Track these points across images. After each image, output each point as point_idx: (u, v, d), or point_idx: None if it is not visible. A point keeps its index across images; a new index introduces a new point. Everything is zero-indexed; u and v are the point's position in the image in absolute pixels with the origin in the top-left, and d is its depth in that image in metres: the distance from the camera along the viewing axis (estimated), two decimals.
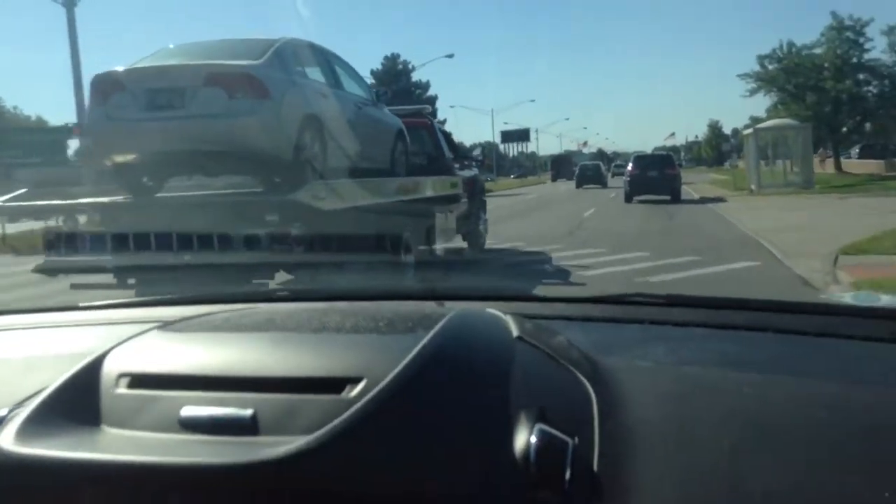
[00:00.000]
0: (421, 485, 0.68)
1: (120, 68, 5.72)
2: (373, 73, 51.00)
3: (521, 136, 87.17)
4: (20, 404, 0.80)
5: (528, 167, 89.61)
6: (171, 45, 6.35)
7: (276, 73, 5.72)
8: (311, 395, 0.74)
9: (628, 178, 24.63)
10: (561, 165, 65.85)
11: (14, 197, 6.10)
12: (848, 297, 5.73)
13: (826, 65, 38.29)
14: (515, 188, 45.78)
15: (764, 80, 40.16)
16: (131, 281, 5.55)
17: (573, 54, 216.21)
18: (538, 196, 33.60)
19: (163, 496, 0.68)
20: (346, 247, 5.53)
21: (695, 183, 36.19)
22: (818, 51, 39.05)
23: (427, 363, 0.76)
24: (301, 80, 6.11)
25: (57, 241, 5.51)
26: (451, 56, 48.10)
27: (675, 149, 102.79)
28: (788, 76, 39.19)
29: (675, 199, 22.96)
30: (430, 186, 8.39)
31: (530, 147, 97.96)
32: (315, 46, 6.75)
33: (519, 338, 0.88)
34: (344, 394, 0.73)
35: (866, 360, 1.07)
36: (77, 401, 0.78)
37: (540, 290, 1.54)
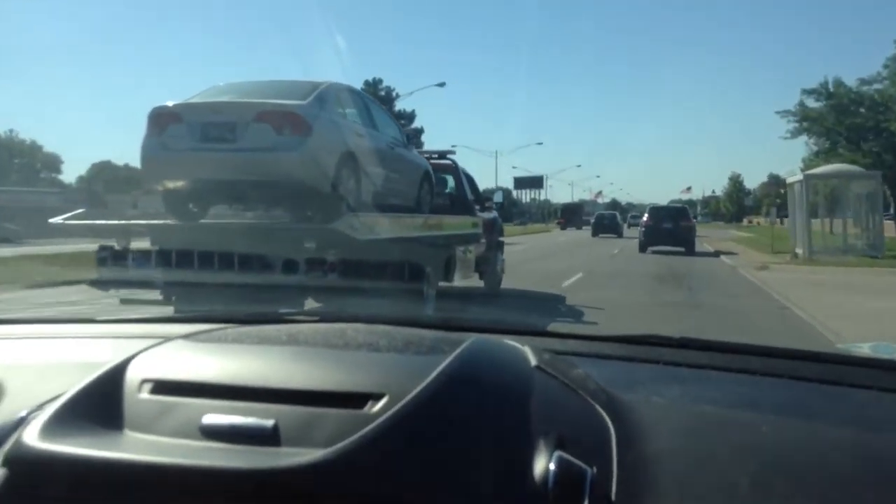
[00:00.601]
0: (440, 502, 0.68)
1: (175, 102, 6.28)
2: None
3: (535, 182, 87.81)
4: (38, 408, 0.81)
5: (534, 214, 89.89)
6: (222, 84, 6.93)
7: (319, 112, 6.25)
8: (333, 409, 0.75)
9: (643, 229, 25.03)
10: (571, 214, 66.77)
11: (73, 216, 6.65)
12: (866, 348, 6.01)
13: (890, 103, 29.93)
14: (514, 235, 40.19)
15: (810, 120, 31.91)
16: (175, 298, 6.00)
17: (586, 98, 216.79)
18: (529, 247, 27.16)
19: (183, 498, 0.69)
20: (374, 276, 5.97)
21: (718, 240, 31.87)
22: (878, 86, 30.85)
23: (449, 383, 0.77)
24: (341, 121, 6.64)
25: (109, 259, 6.00)
26: (442, 85, 44.14)
27: (691, 203, 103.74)
28: (840, 115, 31.02)
29: (690, 250, 23.31)
30: (452, 225, 8.88)
31: (543, 194, 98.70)
32: (354, 90, 7.32)
33: (537, 367, 0.89)
34: (366, 409, 0.74)
35: (883, 411, 1.06)
36: (100, 403, 0.79)
37: (554, 328, 1.58)
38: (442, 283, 8.30)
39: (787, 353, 1.31)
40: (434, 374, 0.77)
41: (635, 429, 0.85)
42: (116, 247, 6.08)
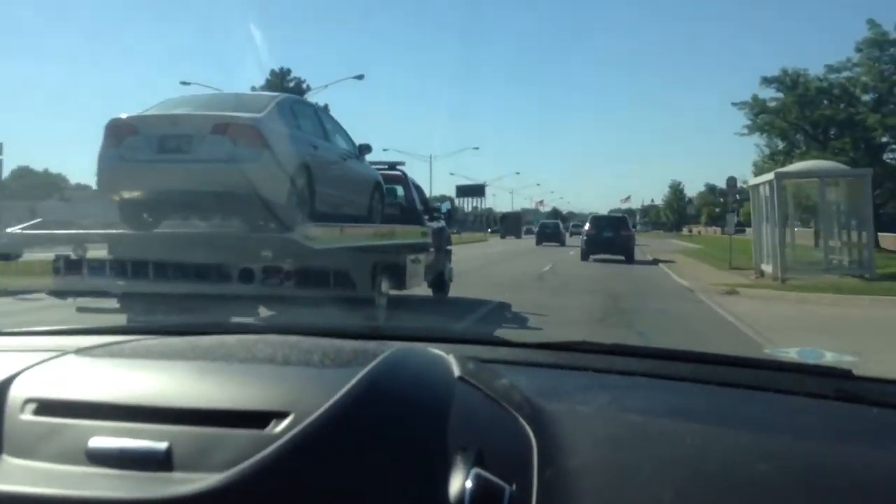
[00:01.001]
0: None
1: (132, 115, 6.42)
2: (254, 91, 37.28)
3: (477, 190, 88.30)
4: None
5: (472, 223, 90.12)
6: (177, 96, 7.08)
7: (275, 125, 6.48)
8: (232, 430, 0.71)
9: (585, 238, 25.85)
10: (510, 223, 67.01)
11: (29, 226, 6.70)
12: (793, 353, 5.76)
13: (857, 91, 26.22)
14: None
15: (770, 112, 28.27)
16: (129, 306, 6.13)
17: (523, 104, 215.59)
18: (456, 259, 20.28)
19: None
20: (327, 285, 6.24)
21: (663, 252, 29.00)
22: (848, 73, 27.01)
23: (360, 399, 0.74)
24: (295, 133, 6.88)
25: (64, 268, 6.09)
26: (360, 77, 37.25)
27: (630, 212, 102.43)
28: (804, 108, 27.38)
29: (629, 259, 24.22)
30: (402, 234, 9.19)
31: (485, 202, 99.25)
32: (308, 102, 7.60)
33: (460, 378, 0.87)
34: (268, 429, 0.71)
35: (809, 416, 1.07)
36: None
37: (482, 335, 1.46)
38: (393, 291, 8.62)
39: (717, 358, 1.32)
40: (345, 388, 0.74)
41: (558, 441, 0.83)
42: (72, 256, 6.18)
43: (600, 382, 1.15)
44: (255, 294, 6.12)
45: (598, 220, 27.28)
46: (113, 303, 6.09)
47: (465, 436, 0.75)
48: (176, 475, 0.66)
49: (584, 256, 24.98)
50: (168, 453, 0.69)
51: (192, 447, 0.69)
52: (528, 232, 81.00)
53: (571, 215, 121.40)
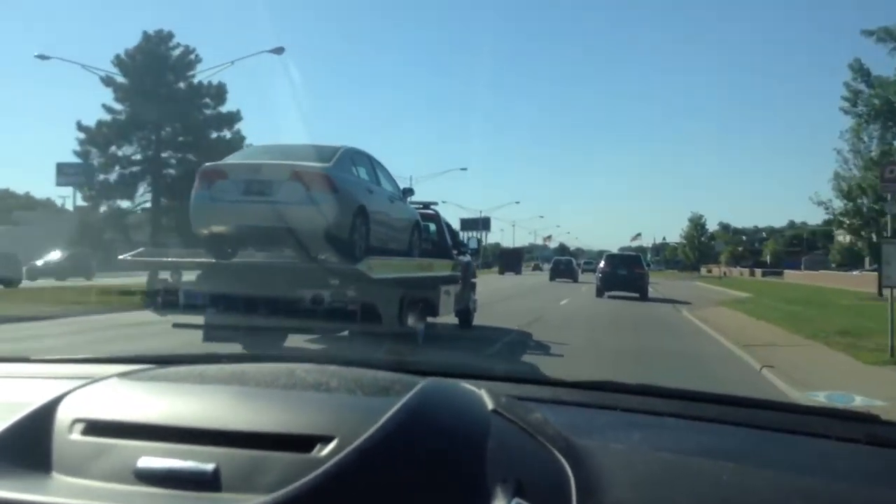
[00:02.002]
0: None
1: (222, 162, 7.76)
2: (119, 60, 30.70)
3: (483, 224, 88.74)
4: None
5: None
6: (257, 145, 8.42)
7: (340, 173, 7.78)
8: (278, 453, 0.73)
9: (600, 275, 27.00)
10: (509, 258, 66.58)
11: (137, 253, 8.04)
12: (822, 397, 5.64)
13: None
14: None
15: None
16: (213, 323, 7.39)
17: (526, 135, 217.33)
18: None
19: None
20: (378, 310, 7.49)
21: (703, 305, 21.60)
22: None
23: (403, 426, 0.76)
24: (356, 179, 8.19)
25: (162, 289, 7.39)
26: (278, 51, 26.15)
27: (641, 249, 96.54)
28: None
29: (643, 296, 25.30)
30: (438, 267, 10.46)
31: (490, 236, 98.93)
32: (364, 152, 8.88)
33: (494, 411, 0.89)
34: (314, 452, 0.73)
35: (840, 460, 1.08)
36: (27, 445, 0.78)
37: (511, 372, 1.62)
38: (429, 319, 9.85)
39: (744, 401, 1.33)
40: (387, 416, 0.76)
41: (595, 475, 0.84)
42: (169, 279, 7.47)
43: (629, 421, 1.17)
44: (322, 317, 7.36)
45: (613, 259, 28.49)
46: (199, 319, 7.36)
47: (503, 466, 0.76)
48: (224, 496, 0.69)
49: (599, 293, 26.05)
50: (216, 474, 0.71)
51: (239, 469, 0.71)
52: (536, 268, 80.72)
53: (580, 252, 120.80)
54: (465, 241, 16.40)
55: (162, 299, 7.45)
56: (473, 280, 14.05)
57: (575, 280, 45.13)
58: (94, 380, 0.93)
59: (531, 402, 1.12)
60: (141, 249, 8.49)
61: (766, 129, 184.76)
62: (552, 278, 46.03)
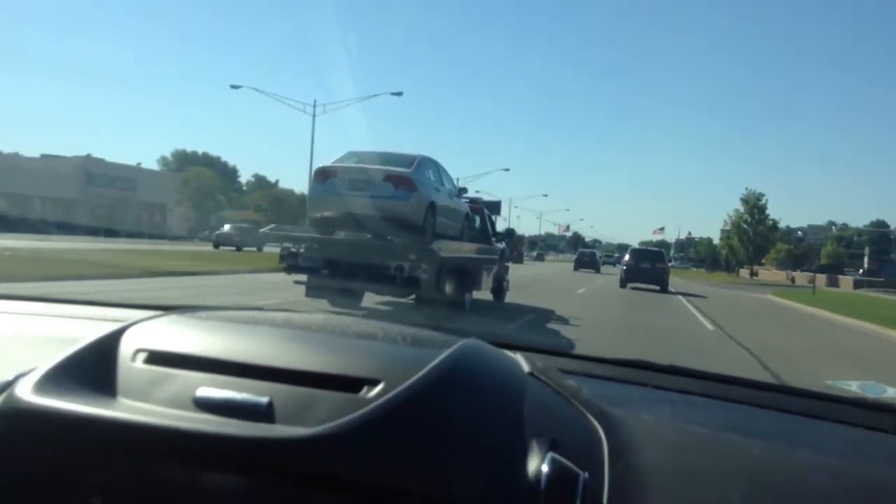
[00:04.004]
0: (428, 488, 0.72)
1: (332, 164, 10.95)
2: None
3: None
4: (24, 374, 0.84)
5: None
6: (356, 151, 11.63)
7: (418, 175, 10.89)
8: (327, 391, 0.79)
9: (624, 268, 29.90)
10: (508, 244, 68.45)
11: (271, 228, 11.42)
12: (854, 386, 6.05)
13: None
14: None
15: None
16: (319, 284, 10.64)
17: (555, 129, 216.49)
18: None
19: (175, 460, 0.74)
20: (441, 280, 10.65)
21: None
22: None
23: (444, 376, 0.81)
24: (427, 180, 11.28)
25: (288, 255, 10.66)
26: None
27: (664, 244, 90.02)
28: None
29: (664, 289, 28.16)
30: (483, 251, 13.60)
31: (506, 222, 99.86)
32: (433, 159, 11.99)
33: (530, 373, 0.94)
34: (361, 393, 0.79)
35: (868, 447, 1.12)
36: (93, 368, 0.84)
37: (544, 344, 1.65)
38: (473, 292, 13.01)
39: (775, 387, 1.42)
40: (430, 365, 0.82)
41: (626, 440, 0.90)
42: (292, 248, 10.73)
43: (659, 397, 1.23)
44: (399, 283, 10.51)
45: (637, 252, 31.36)
46: (311, 279, 10.67)
47: (538, 424, 0.82)
48: (277, 427, 0.74)
49: (622, 284, 28.91)
50: (269, 406, 0.77)
51: (291, 403, 0.78)
52: (539, 257, 78.52)
53: (597, 243, 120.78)
54: (503, 230, 19.51)
55: (287, 263, 10.70)
56: (507, 264, 17.15)
57: (597, 271, 49.22)
58: (156, 315, 1.00)
59: (564, 373, 1.15)
60: (272, 226, 11.91)
61: (806, 122, 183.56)
62: (576, 268, 50.30)
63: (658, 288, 28.05)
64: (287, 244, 10.95)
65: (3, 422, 0.77)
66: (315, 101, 36.99)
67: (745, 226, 64.11)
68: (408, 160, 11.21)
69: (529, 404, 0.85)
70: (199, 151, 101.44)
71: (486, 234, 15.31)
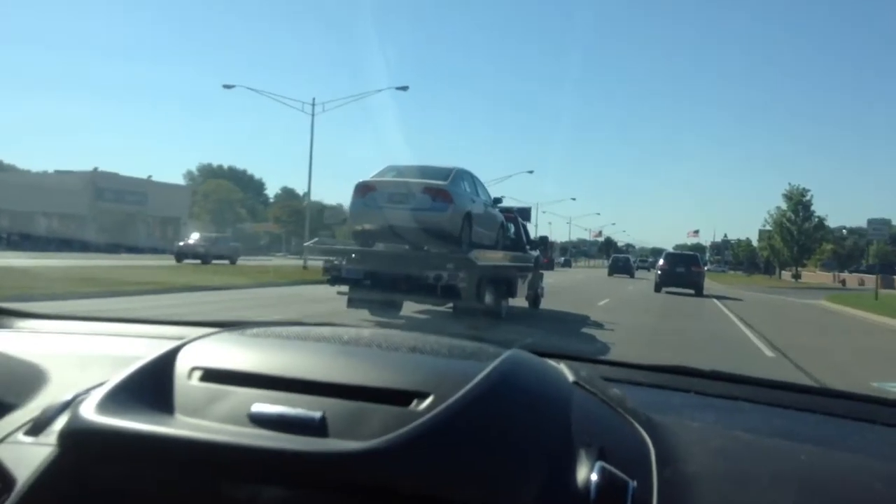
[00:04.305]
0: (480, 499, 0.73)
1: (372, 178, 11.44)
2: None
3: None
4: (84, 392, 0.88)
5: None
6: (394, 165, 12.12)
7: (454, 187, 11.32)
8: (378, 405, 0.81)
9: (659, 272, 30.06)
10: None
11: (315, 242, 11.97)
12: None
13: None
14: None
15: None
16: (360, 295, 11.11)
17: (584, 128, 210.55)
18: None
19: (234, 475, 0.76)
20: (480, 288, 11.05)
21: None
22: None
23: (493, 388, 0.83)
24: (463, 192, 11.70)
25: (332, 268, 11.16)
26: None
27: (699, 247, 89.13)
28: None
29: (699, 293, 28.21)
30: (518, 259, 13.97)
31: (541, 229, 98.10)
32: (468, 171, 12.42)
33: (575, 383, 0.96)
34: (412, 406, 0.81)
35: None
36: (151, 387, 0.87)
37: (585, 353, 1.67)
38: (509, 299, 13.37)
39: (819, 390, 1.43)
40: (478, 378, 0.84)
41: (673, 448, 0.91)
42: (335, 261, 11.22)
43: (703, 403, 1.24)
44: (437, 292, 10.93)
45: (671, 257, 31.50)
46: (353, 291, 11.13)
47: (586, 433, 0.83)
48: (330, 441, 0.77)
49: (657, 288, 29.09)
50: (322, 421, 0.79)
51: (343, 417, 0.80)
52: (566, 263, 75.57)
53: (629, 248, 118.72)
54: (536, 238, 19.86)
55: (331, 276, 11.21)
56: (541, 271, 17.49)
57: (631, 276, 49.22)
58: (209, 333, 1.03)
59: (607, 381, 1.16)
60: (316, 239, 12.46)
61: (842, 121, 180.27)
62: (611, 273, 50.25)
63: (693, 292, 28.12)
64: (330, 257, 11.47)
65: (68, 441, 0.80)
66: (314, 99, 35.39)
67: (788, 224, 59.76)
68: (444, 173, 11.67)
69: (576, 414, 0.86)
70: (225, 165, 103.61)
71: (520, 242, 15.68)
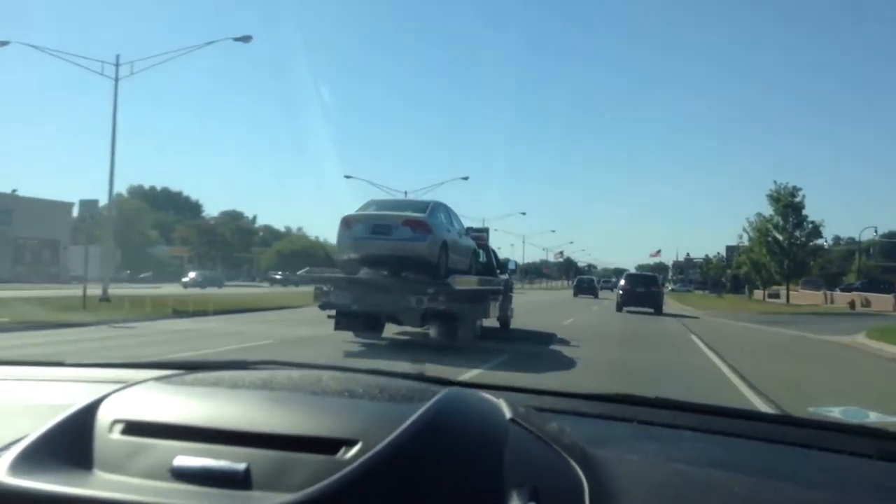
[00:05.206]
0: None
1: (356, 213, 12.60)
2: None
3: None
4: (5, 448, 0.85)
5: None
6: (377, 199, 13.28)
7: (432, 219, 12.53)
8: (306, 454, 0.80)
9: (621, 292, 31.51)
10: None
11: (307, 271, 12.93)
12: (836, 412, 6.10)
13: None
14: None
15: None
16: (352, 317, 12.20)
17: (532, 143, 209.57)
18: None
19: None
20: (455, 312, 12.23)
21: None
22: None
23: (423, 432, 0.83)
24: (440, 222, 12.91)
25: (321, 293, 12.26)
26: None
27: (662, 266, 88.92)
28: None
29: (658, 311, 29.73)
30: (489, 283, 15.21)
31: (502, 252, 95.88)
32: (444, 204, 13.67)
33: (512, 420, 0.96)
34: (339, 455, 0.79)
35: (853, 475, 1.14)
36: (70, 442, 0.85)
37: (529, 384, 1.68)
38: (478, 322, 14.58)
39: (760, 416, 1.49)
40: (408, 422, 0.83)
41: (610, 485, 0.91)
42: (324, 288, 12.33)
43: (646, 433, 1.25)
44: (418, 315, 12.07)
45: (632, 277, 33.09)
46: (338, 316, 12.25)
47: (519, 473, 0.83)
48: (255, 493, 0.75)
49: (619, 308, 30.48)
50: (247, 473, 0.78)
51: (269, 468, 0.79)
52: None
53: (591, 268, 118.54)
54: (506, 263, 21.16)
55: (322, 301, 12.30)
56: (511, 294, 18.76)
57: (595, 296, 51.16)
58: (132, 383, 1.01)
59: (549, 413, 1.19)
60: (307, 269, 13.44)
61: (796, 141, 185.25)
62: (575, 294, 52.42)
63: (652, 311, 29.62)
64: (320, 284, 12.56)
65: None
66: (118, 56, 25.17)
67: (775, 233, 47.36)
68: (422, 206, 12.92)
69: (510, 453, 0.87)
70: (159, 186, 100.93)
71: (490, 266, 16.94)
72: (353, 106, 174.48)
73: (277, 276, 65.22)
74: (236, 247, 72.22)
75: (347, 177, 40.36)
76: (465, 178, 50.23)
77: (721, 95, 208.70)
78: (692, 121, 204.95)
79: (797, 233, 47.07)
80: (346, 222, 12.53)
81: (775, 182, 47.98)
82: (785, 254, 46.82)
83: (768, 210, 47.63)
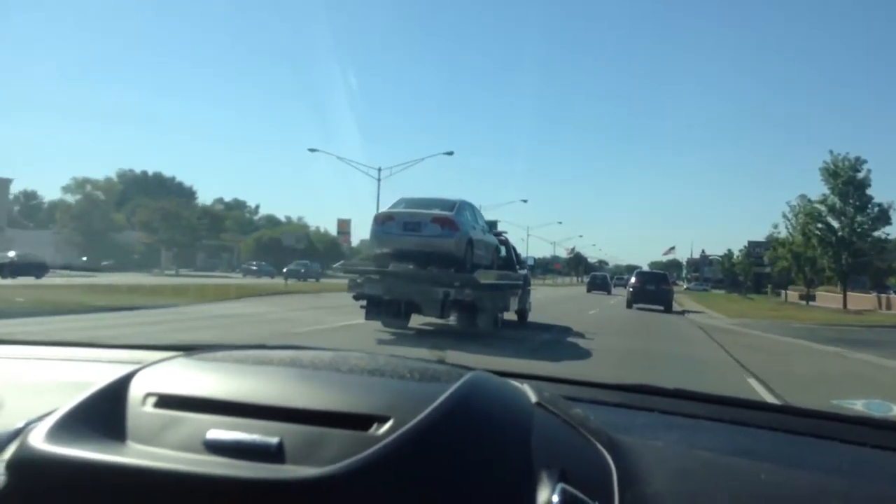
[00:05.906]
0: None
1: (388, 210, 13.53)
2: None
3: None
4: (37, 419, 0.86)
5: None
6: (406, 197, 14.22)
7: (459, 217, 13.44)
8: (337, 430, 0.81)
9: (631, 289, 32.21)
10: None
11: (343, 264, 14.08)
12: (859, 405, 6.03)
13: None
14: None
15: None
16: (382, 306, 13.13)
17: (563, 152, 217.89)
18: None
19: None
20: (479, 303, 13.13)
21: None
22: None
23: (454, 410, 0.84)
24: (466, 220, 13.81)
25: (355, 285, 13.22)
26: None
27: (676, 264, 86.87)
28: None
29: (668, 309, 30.49)
30: (510, 278, 16.12)
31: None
32: (470, 203, 14.57)
33: (538, 404, 0.97)
34: (371, 431, 0.81)
35: (876, 467, 1.15)
36: (104, 414, 0.87)
37: (551, 373, 1.70)
38: (502, 314, 15.48)
39: (781, 408, 1.47)
40: (439, 400, 0.84)
41: (635, 469, 0.92)
42: (358, 279, 13.28)
43: (666, 422, 1.26)
44: (445, 306, 12.97)
45: (642, 275, 33.79)
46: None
47: (548, 455, 0.84)
48: (287, 467, 0.76)
49: (629, 305, 31.18)
50: (280, 447, 0.79)
51: (301, 443, 0.80)
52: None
53: (602, 264, 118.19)
54: (526, 260, 22.07)
55: (356, 292, 13.25)
56: (529, 288, 19.65)
57: (608, 292, 52.36)
58: (164, 358, 1.02)
59: (571, 401, 1.18)
60: (342, 262, 14.51)
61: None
62: (589, 290, 53.89)
63: (662, 308, 30.32)
64: (353, 276, 13.52)
65: (16, 470, 0.78)
66: None
67: (830, 220, 37.44)
68: (450, 204, 13.83)
69: (538, 435, 0.88)
70: (150, 171, 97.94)
71: (511, 262, 17.84)
72: (374, 97, 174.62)
73: (253, 267, 62.73)
74: (204, 233, 66.52)
75: (312, 150, 41.81)
76: (450, 153, 48.24)
77: (743, 90, 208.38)
78: (709, 115, 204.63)
79: (859, 217, 36.77)
80: (380, 219, 13.46)
81: (831, 153, 37.26)
82: (843, 245, 36.76)
83: (817, 191, 37.10)
